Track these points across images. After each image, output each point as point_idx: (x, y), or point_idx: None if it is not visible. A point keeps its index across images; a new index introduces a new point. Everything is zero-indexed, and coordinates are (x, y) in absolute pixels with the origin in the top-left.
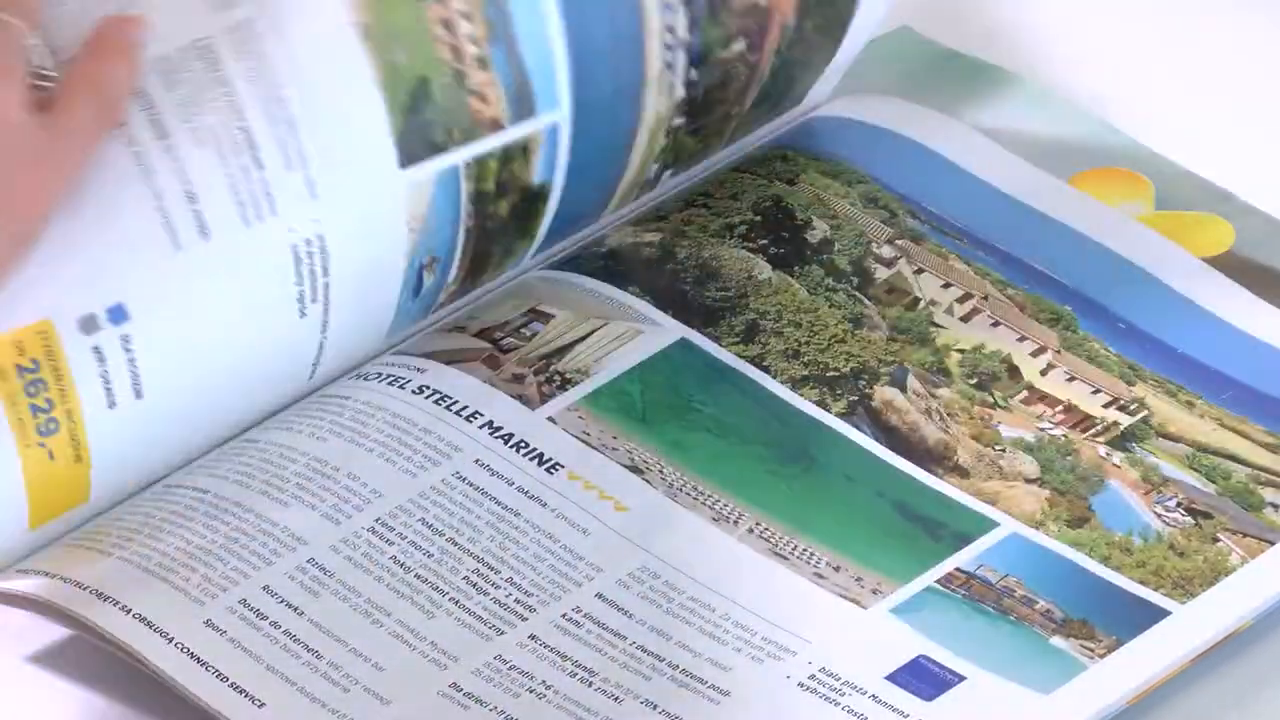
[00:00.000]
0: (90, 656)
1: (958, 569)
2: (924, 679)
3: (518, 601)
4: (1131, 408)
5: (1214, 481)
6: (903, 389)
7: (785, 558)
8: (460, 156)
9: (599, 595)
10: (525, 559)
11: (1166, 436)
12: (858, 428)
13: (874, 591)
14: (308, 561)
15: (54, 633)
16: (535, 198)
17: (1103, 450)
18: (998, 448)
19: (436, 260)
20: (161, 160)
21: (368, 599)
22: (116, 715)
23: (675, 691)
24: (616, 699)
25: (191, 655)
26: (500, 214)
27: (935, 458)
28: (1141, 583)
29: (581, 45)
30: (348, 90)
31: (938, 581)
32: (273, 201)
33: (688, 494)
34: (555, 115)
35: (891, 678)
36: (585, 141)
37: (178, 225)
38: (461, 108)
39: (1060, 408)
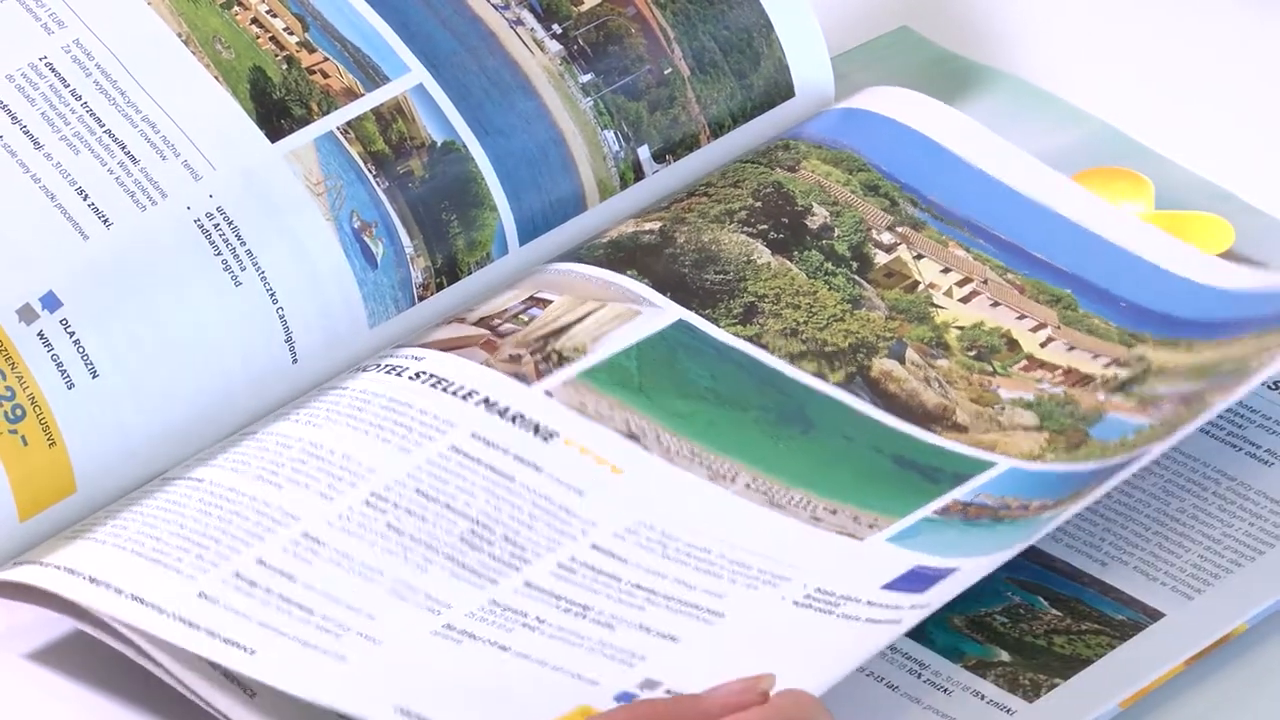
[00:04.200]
0: (90, 656)
1: (956, 500)
2: (918, 580)
3: (513, 555)
4: (1131, 363)
5: (1206, 376)
6: (901, 361)
7: (782, 506)
8: (329, 124)
9: (595, 546)
10: (520, 519)
11: (1164, 374)
12: (856, 395)
13: (870, 526)
14: (302, 535)
15: (54, 632)
16: (455, 159)
17: (1102, 396)
18: (996, 406)
19: (371, 225)
20: (43, 166)
21: (362, 562)
22: (116, 715)
23: (669, 617)
24: (610, 627)
25: (184, 621)
26: (417, 173)
27: (934, 418)
28: (1130, 452)
29: (400, 13)
30: (192, 88)
31: (935, 512)
32: (158, 187)
33: (684, 456)
34: (411, 77)
35: (888, 586)
36: (470, 99)
37: (78, 218)
38: (307, 85)
39: (1060, 371)
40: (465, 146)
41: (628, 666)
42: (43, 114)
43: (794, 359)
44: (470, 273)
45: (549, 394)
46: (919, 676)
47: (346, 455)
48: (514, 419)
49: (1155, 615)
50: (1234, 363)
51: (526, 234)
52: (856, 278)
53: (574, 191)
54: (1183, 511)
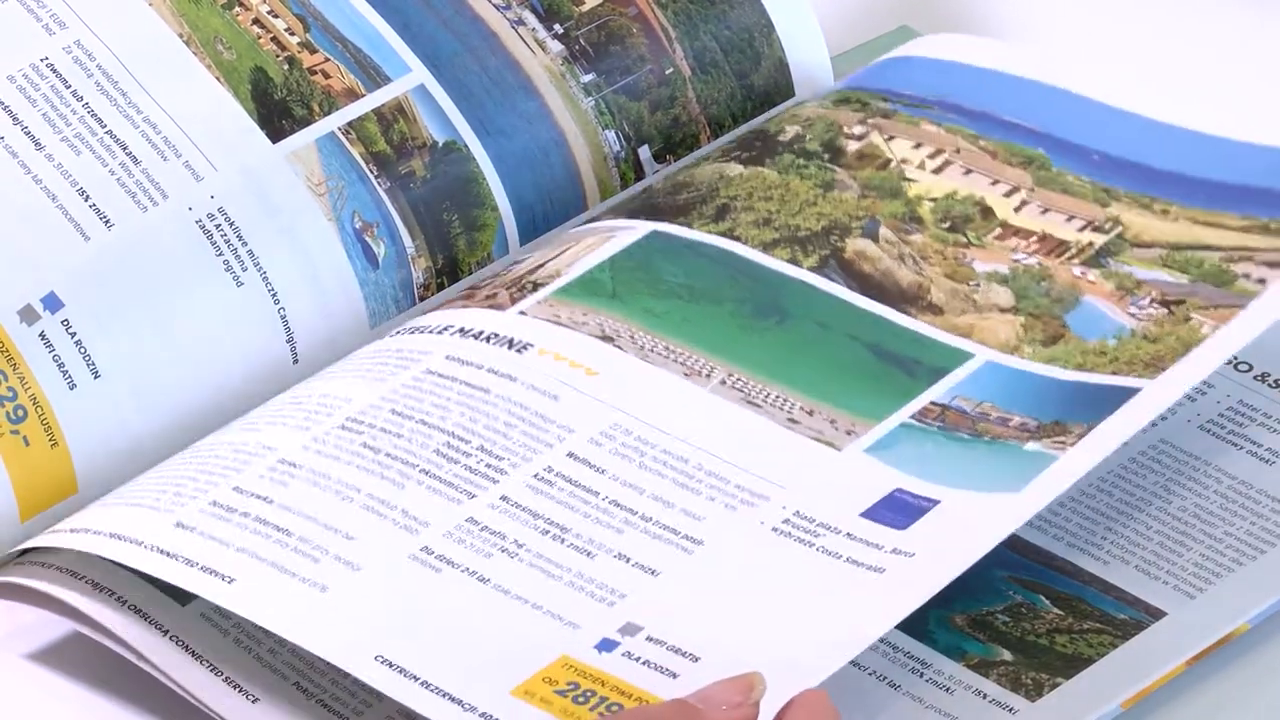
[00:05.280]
0: (90, 656)
1: (933, 402)
2: (899, 510)
3: (489, 466)
4: (1106, 226)
5: (1187, 272)
6: (875, 239)
7: (758, 405)
8: (331, 124)
9: (570, 454)
10: (495, 428)
11: (1140, 245)
12: (830, 279)
13: (848, 433)
14: (278, 461)
15: (54, 632)
16: (456, 159)
17: (1077, 270)
18: (972, 283)
19: (373, 225)
20: (44, 167)
21: (338, 480)
22: (116, 715)
23: (648, 544)
24: (589, 554)
25: (161, 551)
26: (418, 173)
27: (908, 298)
28: (1114, 374)
29: (401, 13)
30: (193, 88)
31: (912, 416)
32: (160, 188)
33: (659, 354)
34: (412, 77)
35: (867, 514)
36: (471, 99)
37: (79, 219)
38: (308, 85)
39: (1034, 238)
40: (466, 147)
41: (608, 606)
42: (44, 115)
43: (767, 247)
44: (471, 272)
45: (523, 313)
46: (921, 676)
47: (324, 394)
48: (489, 339)
49: (1157, 614)
50: (1217, 258)
51: (527, 234)
52: (829, 165)
53: (575, 191)
54: (1184, 510)
